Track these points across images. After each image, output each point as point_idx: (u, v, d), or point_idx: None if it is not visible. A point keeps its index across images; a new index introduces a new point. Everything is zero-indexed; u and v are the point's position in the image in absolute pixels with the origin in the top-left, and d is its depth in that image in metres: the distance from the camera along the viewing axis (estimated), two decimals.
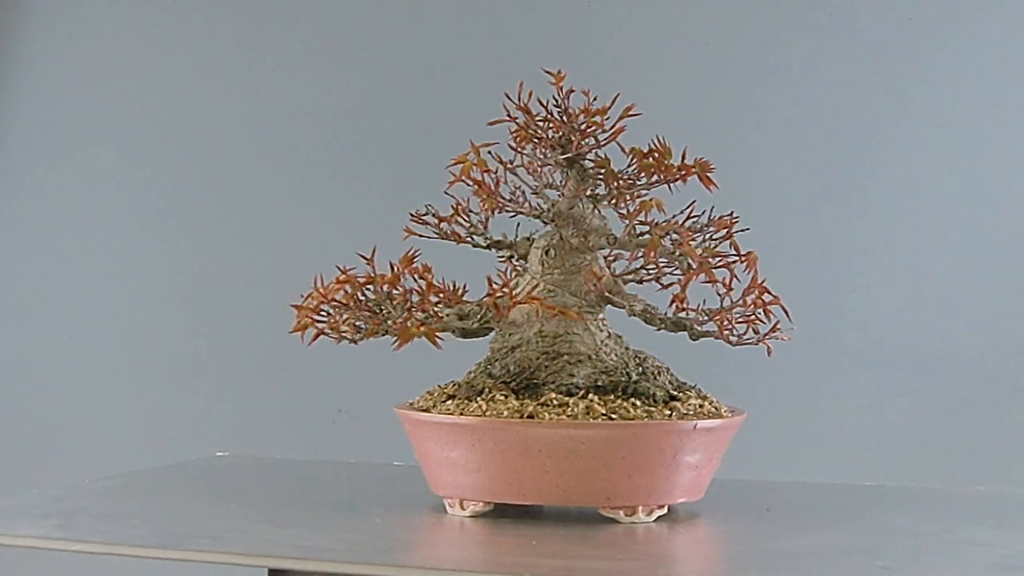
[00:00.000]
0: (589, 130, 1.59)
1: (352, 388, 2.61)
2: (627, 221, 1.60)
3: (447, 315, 1.59)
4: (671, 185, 1.58)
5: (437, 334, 1.56)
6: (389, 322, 1.56)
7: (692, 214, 1.60)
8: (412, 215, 1.63)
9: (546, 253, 1.62)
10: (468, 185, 1.60)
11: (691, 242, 1.57)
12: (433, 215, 1.64)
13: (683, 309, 1.55)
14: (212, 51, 2.65)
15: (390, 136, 2.62)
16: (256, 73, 2.64)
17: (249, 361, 2.63)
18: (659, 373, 1.59)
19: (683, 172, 1.59)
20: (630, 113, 1.59)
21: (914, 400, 2.57)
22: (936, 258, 2.55)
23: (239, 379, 2.63)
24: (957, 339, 2.55)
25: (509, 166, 1.62)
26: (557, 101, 1.59)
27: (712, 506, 1.61)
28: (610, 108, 1.59)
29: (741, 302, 1.55)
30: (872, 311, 2.57)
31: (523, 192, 1.63)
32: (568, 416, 1.53)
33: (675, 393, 1.57)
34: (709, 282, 1.55)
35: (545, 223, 1.63)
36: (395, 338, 1.54)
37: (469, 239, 1.64)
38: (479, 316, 1.60)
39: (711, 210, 1.58)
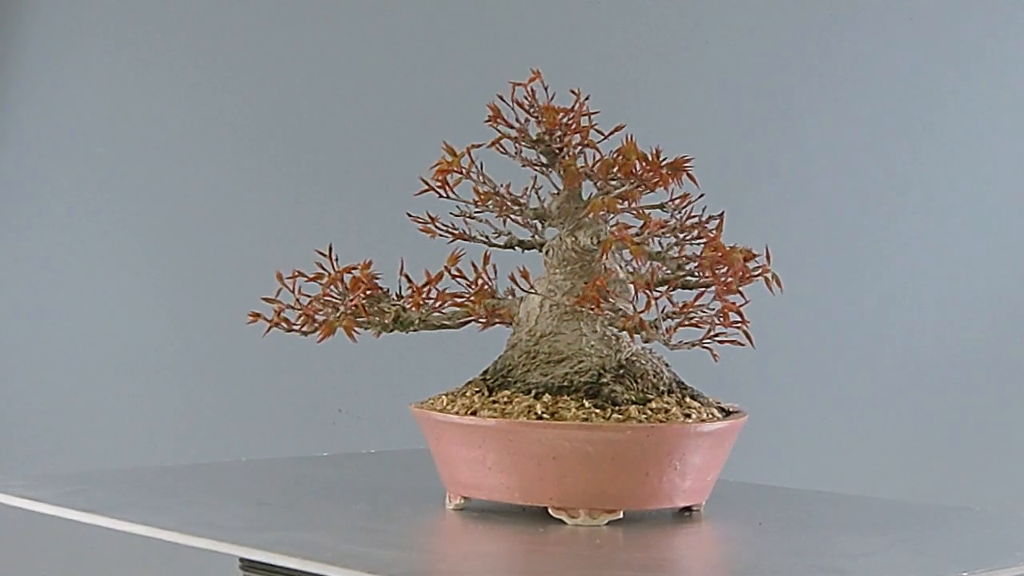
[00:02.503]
0: (556, 130, 1.59)
1: (352, 388, 2.62)
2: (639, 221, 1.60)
3: (390, 311, 1.61)
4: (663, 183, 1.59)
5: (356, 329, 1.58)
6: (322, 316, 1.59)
7: (691, 214, 1.60)
8: (410, 215, 1.64)
9: (546, 253, 1.63)
10: (436, 191, 1.61)
11: (635, 242, 1.56)
12: (428, 215, 1.64)
13: (598, 308, 1.55)
14: (212, 53, 2.66)
15: (392, 138, 2.63)
16: (254, 74, 2.66)
17: (249, 361, 2.64)
18: (643, 377, 1.57)
19: (649, 171, 1.57)
20: (584, 112, 1.59)
21: (916, 403, 2.58)
22: (940, 260, 2.56)
23: (239, 379, 2.64)
24: (960, 342, 2.56)
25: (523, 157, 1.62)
26: (530, 101, 1.60)
27: (680, 514, 1.60)
28: (573, 107, 1.59)
29: (704, 306, 1.55)
30: (875, 314, 2.58)
31: (535, 192, 1.64)
32: (505, 414, 1.54)
33: (651, 397, 1.55)
34: (642, 289, 1.55)
35: (540, 222, 1.64)
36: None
37: (485, 239, 1.64)
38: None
39: (703, 211, 1.59)
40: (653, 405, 1.54)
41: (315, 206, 2.66)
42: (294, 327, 1.60)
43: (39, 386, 2.70)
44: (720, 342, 1.54)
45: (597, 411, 1.53)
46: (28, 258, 2.70)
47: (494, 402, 1.57)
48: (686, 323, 1.54)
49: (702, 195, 1.60)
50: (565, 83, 1.63)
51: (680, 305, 1.54)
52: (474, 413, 1.56)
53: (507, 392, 1.58)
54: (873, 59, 2.54)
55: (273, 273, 2.60)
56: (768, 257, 1.56)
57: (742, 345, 1.55)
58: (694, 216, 1.61)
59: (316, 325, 1.58)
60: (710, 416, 1.56)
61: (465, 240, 1.64)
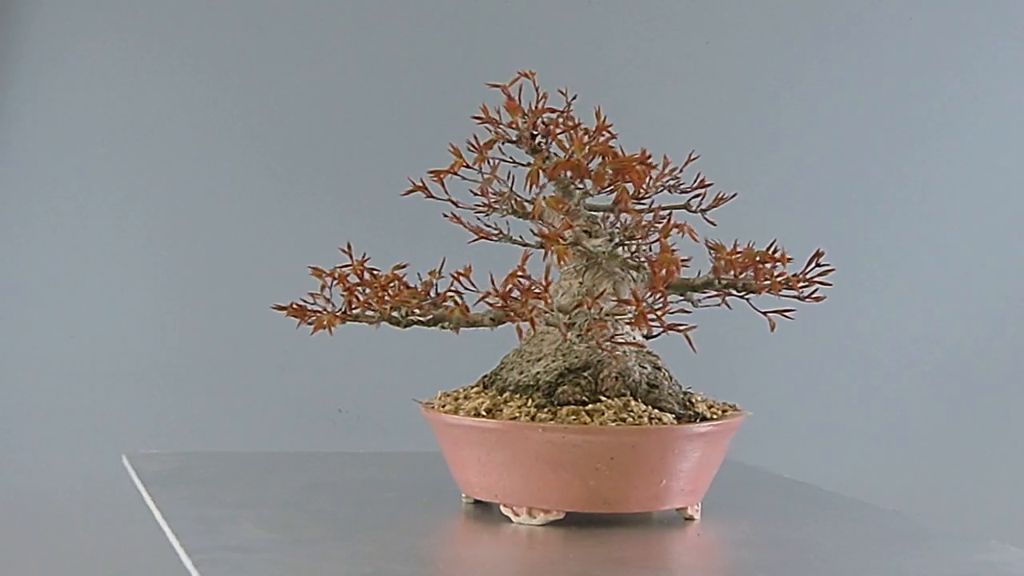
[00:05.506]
0: (527, 129, 1.59)
1: (352, 388, 2.62)
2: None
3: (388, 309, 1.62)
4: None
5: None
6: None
7: (661, 214, 1.60)
8: (447, 215, 1.62)
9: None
10: (423, 190, 1.61)
11: (562, 242, 1.55)
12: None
13: (506, 304, 1.54)
14: (213, 52, 2.67)
15: (393, 138, 2.64)
16: (255, 73, 2.66)
17: (249, 361, 2.65)
18: (604, 378, 1.56)
19: (598, 168, 1.56)
20: (545, 109, 1.59)
21: (915, 401, 2.58)
22: (940, 260, 2.56)
23: (239, 379, 2.65)
24: (961, 341, 2.57)
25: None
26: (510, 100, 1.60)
27: (643, 519, 1.59)
28: (536, 105, 1.60)
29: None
30: (875, 312, 2.58)
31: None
32: (459, 411, 1.57)
33: (602, 399, 1.55)
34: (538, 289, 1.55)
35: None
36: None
37: (518, 238, 1.64)
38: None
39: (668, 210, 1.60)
40: (591, 407, 1.54)
41: (321, 207, 2.67)
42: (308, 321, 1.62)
43: (39, 386, 2.70)
44: (617, 343, 1.54)
45: (534, 410, 1.54)
46: (28, 258, 2.70)
47: (463, 399, 1.61)
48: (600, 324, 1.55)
49: (735, 195, 1.61)
50: (565, 84, 1.64)
51: (577, 302, 1.54)
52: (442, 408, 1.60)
53: (478, 389, 1.62)
54: (873, 59, 2.55)
55: (274, 273, 2.62)
56: (818, 262, 1.57)
57: (641, 347, 1.55)
58: (661, 215, 1.60)
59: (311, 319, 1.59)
60: (655, 422, 1.54)
61: (506, 241, 1.63)
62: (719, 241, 1.60)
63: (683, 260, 1.57)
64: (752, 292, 1.59)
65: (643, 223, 1.58)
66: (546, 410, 1.54)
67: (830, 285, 1.57)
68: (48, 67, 2.66)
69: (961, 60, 2.55)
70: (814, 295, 1.59)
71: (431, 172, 1.60)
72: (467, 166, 1.59)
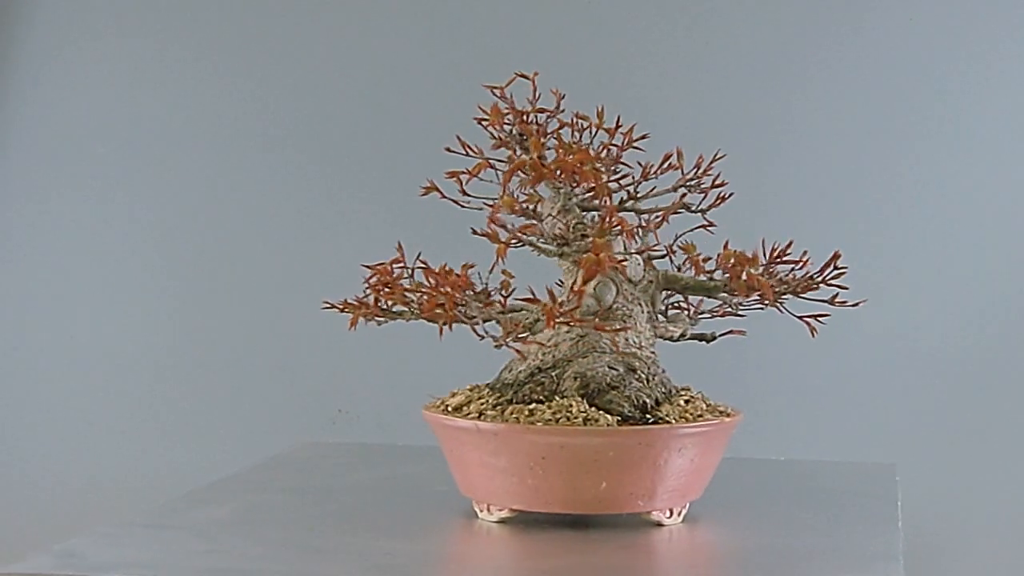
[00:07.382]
0: (521, 129, 1.60)
1: (352, 388, 2.62)
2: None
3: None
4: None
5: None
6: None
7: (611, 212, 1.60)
8: (490, 220, 1.60)
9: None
10: (439, 191, 1.61)
11: (500, 240, 1.55)
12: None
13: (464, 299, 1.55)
14: (214, 51, 2.67)
15: (395, 137, 2.63)
16: (257, 72, 2.66)
17: (249, 361, 2.65)
18: (565, 378, 1.57)
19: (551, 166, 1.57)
20: (534, 109, 1.60)
21: (915, 399, 2.58)
22: (941, 260, 2.56)
23: (239, 379, 2.65)
24: (960, 338, 2.57)
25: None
26: (505, 101, 1.60)
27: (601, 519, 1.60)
28: (511, 106, 1.60)
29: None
30: (874, 310, 2.58)
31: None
32: (437, 408, 1.61)
33: (557, 399, 1.55)
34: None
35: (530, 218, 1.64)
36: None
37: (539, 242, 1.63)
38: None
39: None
40: (534, 406, 1.55)
41: (318, 207, 2.66)
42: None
43: (37, 387, 2.70)
44: (526, 343, 1.56)
45: (488, 408, 1.56)
46: (28, 258, 2.70)
47: (453, 395, 1.64)
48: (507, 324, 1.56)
49: (732, 194, 1.61)
50: (565, 85, 1.64)
51: (486, 302, 1.55)
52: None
53: (469, 388, 1.64)
54: (873, 59, 2.55)
55: (272, 273, 2.62)
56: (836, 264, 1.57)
57: (544, 345, 1.56)
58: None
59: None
60: (591, 423, 1.53)
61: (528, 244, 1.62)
62: (691, 242, 1.61)
63: (619, 261, 1.57)
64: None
65: (571, 223, 1.59)
66: (496, 408, 1.56)
67: (847, 288, 1.57)
68: (48, 67, 2.66)
69: (962, 60, 2.55)
70: (836, 299, 1.59)
71: (449, 174, 1.60)
72: (491, 167, 1.59)
